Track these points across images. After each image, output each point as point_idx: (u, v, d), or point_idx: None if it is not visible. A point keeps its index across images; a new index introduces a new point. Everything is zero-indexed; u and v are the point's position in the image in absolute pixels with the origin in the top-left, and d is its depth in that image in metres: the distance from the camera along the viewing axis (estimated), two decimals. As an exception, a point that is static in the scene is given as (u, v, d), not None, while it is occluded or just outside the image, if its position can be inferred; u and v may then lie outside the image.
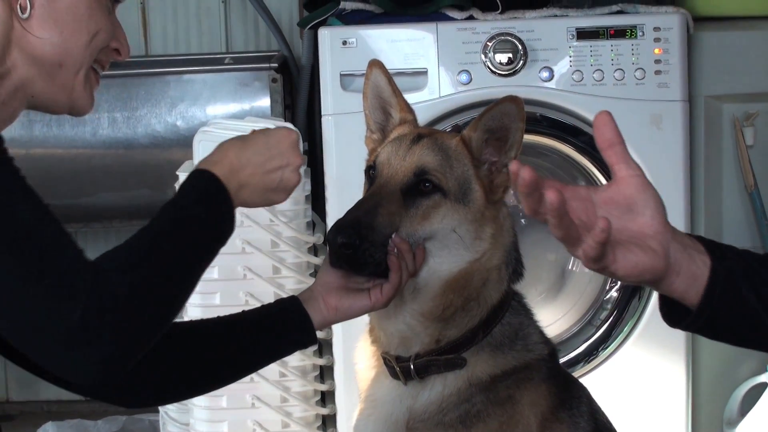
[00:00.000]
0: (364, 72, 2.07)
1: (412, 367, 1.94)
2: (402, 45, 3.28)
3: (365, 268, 1.85)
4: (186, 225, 1.63)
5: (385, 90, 2.06)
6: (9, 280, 1.48)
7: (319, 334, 3.44)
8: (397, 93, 2.06)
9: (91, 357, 1.50)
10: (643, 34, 3.26)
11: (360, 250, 1.83)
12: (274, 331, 1.89)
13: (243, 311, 1.93)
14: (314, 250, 3.53)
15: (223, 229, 1.69)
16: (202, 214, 1.65)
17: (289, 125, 1.93)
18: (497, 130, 1.95)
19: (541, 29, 3.28)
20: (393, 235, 1.86)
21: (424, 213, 1.91)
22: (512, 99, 1.93)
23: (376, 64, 2.06)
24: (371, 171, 1.99)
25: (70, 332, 1.48)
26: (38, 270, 1.48)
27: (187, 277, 1.63)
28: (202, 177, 1.68)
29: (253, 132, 1.79)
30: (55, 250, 1.51)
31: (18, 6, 1.64)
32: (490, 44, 3.26)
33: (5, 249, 1.48)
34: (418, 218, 1.90)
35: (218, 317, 1.90)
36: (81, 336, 1.48)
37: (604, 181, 3.29)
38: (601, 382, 3.25)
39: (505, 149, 1.96)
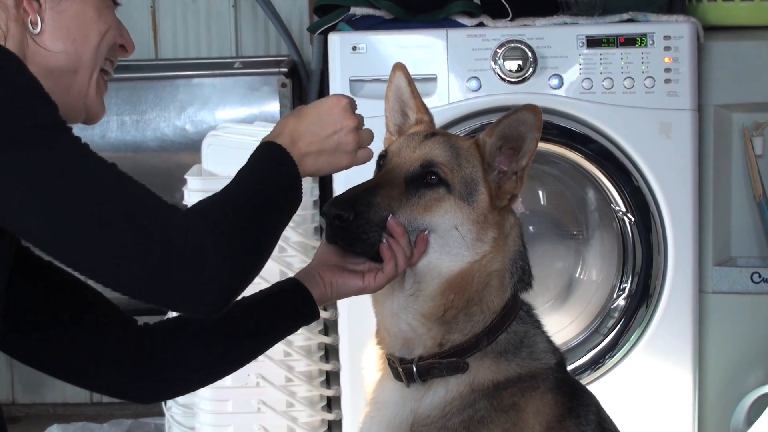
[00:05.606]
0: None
1: (414, 369, 1.95)
2: (412, 51, 3.27)
3: (358, 245, 1.88)
4: (263, 181, 1.72)
5: (405, 92, 2.10)
6: (107, 230, 1.54)
7: (326, 339, 3.47)
8: (416, 95, 2.10)
9: (200, 280, 1.57)
10: (653, 43, 3.26)
11: (353, 225, 1.85)
12: (276, 308, 1.95)
13: (242, 297, 1.97)
14: (322, 255, 3.52)
15: (295, 191, 1.77)
16: (275, 173, 1.75)
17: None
18: (512, 139, 1.96)
19: (551, 37, 3.28)
20: (390, 218, 1.87)
21: (426, 204, 1.92)
22: (531, 108, 1.94)
23: (399, 67, 2.10)
24: (382, 160, 2.00)
25: (179, 258, 1.55)
26: (130, 213, 1.56)
27: (269, 231, 1.71)
28: (269, 147, 1.78)
29: (306, 106, 1.87)
30: (139, 196, 1.60)
31: (29, 22, 1.70)
32: (500, 51, 3.26)
33: (93, 202, 1.55)
34: (419, 207, 1.92)
35: None
36: (190, 261, 1.55)
37: (612, 189, 3.28)
38: (608, 391, 3.24)
39: (517, 157, 1.97)
